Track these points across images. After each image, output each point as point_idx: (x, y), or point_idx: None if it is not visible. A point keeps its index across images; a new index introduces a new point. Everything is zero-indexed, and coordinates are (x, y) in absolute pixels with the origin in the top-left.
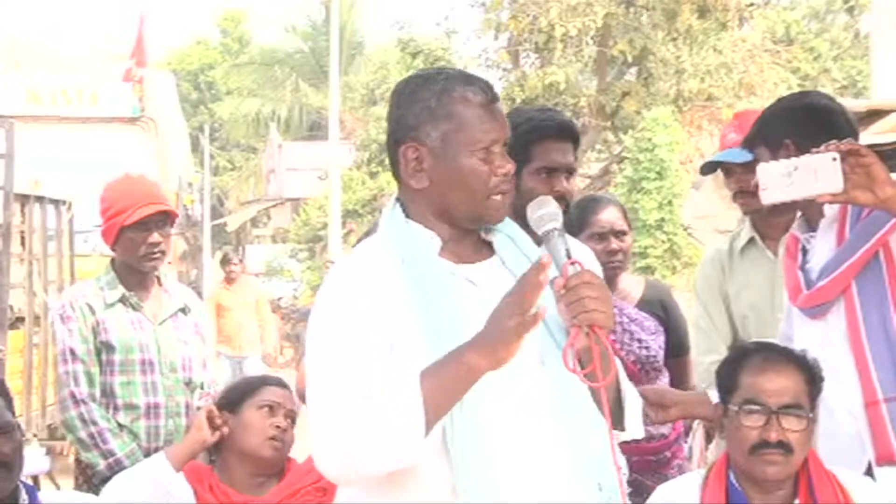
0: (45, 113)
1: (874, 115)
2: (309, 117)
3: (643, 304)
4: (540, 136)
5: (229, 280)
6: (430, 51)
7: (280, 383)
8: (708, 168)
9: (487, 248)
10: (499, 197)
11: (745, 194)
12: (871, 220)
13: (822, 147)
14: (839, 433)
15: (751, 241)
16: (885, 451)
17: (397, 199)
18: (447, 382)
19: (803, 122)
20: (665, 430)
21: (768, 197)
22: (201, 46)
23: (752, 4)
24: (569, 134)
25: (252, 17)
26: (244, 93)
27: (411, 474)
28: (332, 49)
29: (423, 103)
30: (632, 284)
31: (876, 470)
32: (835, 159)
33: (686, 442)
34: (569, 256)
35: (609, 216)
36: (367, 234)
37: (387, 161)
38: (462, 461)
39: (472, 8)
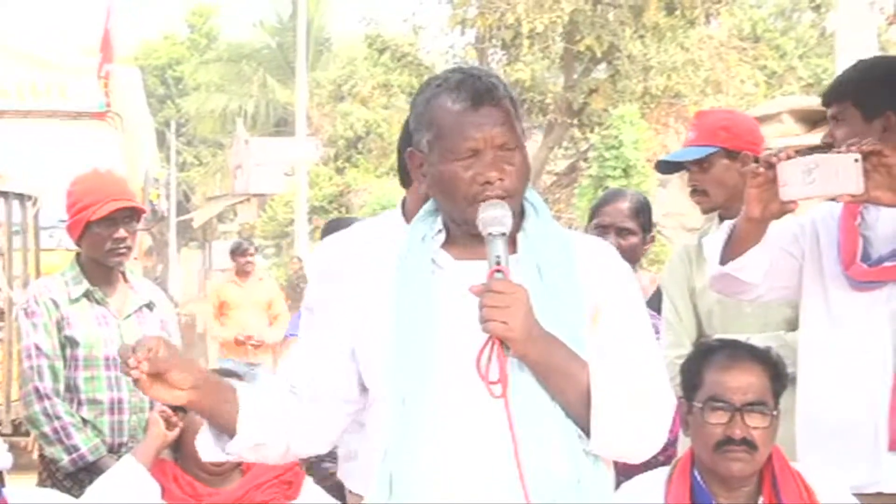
0: (11, 107)
1: None
2: (276, 113)
3: (653, 303)
4: None
5: (242, 273)
6: (398, 47)
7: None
8: (663, 167)
9: (513, 245)
10: (484, 202)
11: (699, 193)
12: None
13: (844, 147)
14: (846, 417)
15: None
16: None
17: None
18: None
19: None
20: None
21: (787, 194)
22: (169, 41)
23: (718, 1)
24: None
25: (220, 13)
26: (211, 88)
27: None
28: (299, 45)
29: (417, 110)
30: (643, 283)
31: (887, 456)
32: (857, 160)
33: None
34: (498, 263)
35: (613, 210)
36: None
37: (354, 157)
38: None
39: (440, 4)
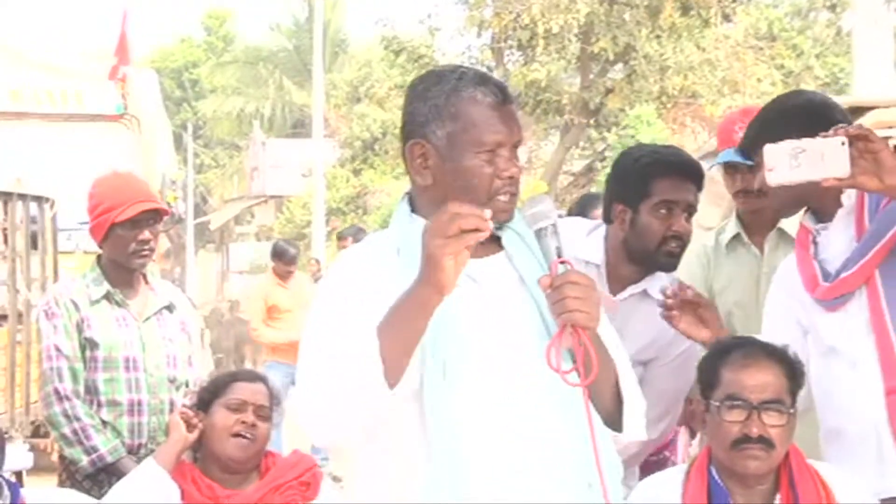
0: (28, 110)
1: (855, 111)
2: (293, 115)
3: None
4: (661, 171)
5: (285, 276)
6: (414, 48)
7: (251, 377)
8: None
9: (497, 244)
10: (503, 198)
11: (749, 194)
12: (891, 208)
13: (832, 131)
14: (852, 429)
15: (736, 236)
16: None
17: (407, 194)
18: (399, 318)
19: (805, 120)
20: None
21: (774, 178)
22: (185, 44)
23: (734, 1)
24: (692, 172)
25: (236, 16)
26: (228, 90)
27: (387, 462)
28: (315, 47)
29: (433, 101)
30: None
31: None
32: (843, 143)
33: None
34: (559, 255)
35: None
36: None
37: (370, 159)
38: (440, 458)
39: (456, 5)
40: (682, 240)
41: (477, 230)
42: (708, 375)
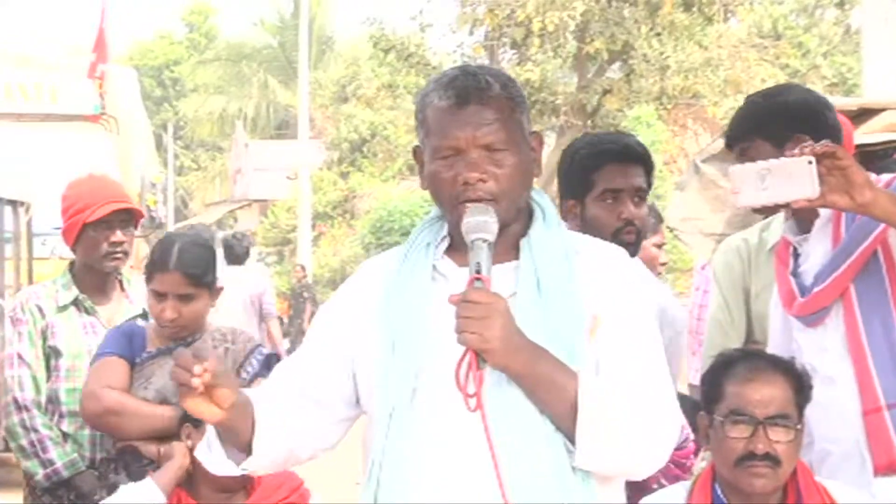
0: (2, 110)
1: (865, 113)
2: (277, 115)
3: None
4: (601, 160)
5: None
6: (404, 46)
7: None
8: None
9: (516, 252)
10: (470, 205)
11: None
12: (866, 218)
13: (797, 149)
14: (837, 451)
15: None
16: (887, 459)
17: None
18: None
19: (809, 117)
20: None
21: (742, 200)
22: (166, 41)
23: None
24: (633, 156)
25: (219, 11)
26: (210, 89)
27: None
28: (301, 44)
29: (416, 107)
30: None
31: (875, 482)
32: (810, 163)
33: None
34: (478, 272)
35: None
36: None
37: (358, 161)
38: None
39: (448, 1)
40: (635, 225)
41: (186, 385)
42: (711, 389)
